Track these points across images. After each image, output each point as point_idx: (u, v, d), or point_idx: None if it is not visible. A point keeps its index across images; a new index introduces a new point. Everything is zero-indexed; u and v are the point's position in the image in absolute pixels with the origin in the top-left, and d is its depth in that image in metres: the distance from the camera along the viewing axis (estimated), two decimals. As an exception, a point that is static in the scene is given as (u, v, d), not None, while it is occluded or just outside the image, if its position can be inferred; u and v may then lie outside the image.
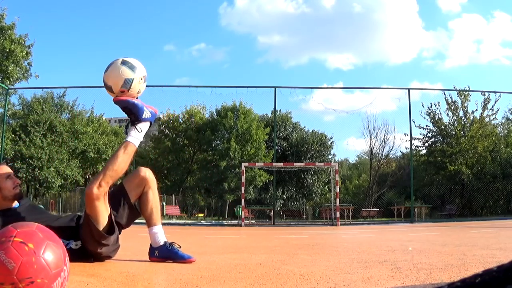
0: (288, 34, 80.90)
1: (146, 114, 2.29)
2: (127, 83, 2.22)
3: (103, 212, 2.16)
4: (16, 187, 2.33)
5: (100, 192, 2.12)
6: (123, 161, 2.20)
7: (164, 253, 2.38)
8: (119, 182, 2.44)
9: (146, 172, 2.39)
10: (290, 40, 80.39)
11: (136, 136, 2.27)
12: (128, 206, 2.34)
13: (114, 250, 2.34)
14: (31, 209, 2.37)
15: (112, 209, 2.25)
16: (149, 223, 2.42)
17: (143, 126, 2.29)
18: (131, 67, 2.24)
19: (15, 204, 2.34)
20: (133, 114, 2.27)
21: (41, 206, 2.32)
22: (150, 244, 2.43)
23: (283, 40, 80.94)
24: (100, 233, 2.14)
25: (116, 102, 2.26)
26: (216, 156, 25.41)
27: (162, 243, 2.39)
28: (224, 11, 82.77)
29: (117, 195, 2.35)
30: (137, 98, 2.32)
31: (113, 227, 2.22)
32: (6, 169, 2.36)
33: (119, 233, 2.37)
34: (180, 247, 2.40)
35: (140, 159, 27.32)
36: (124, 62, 2.24)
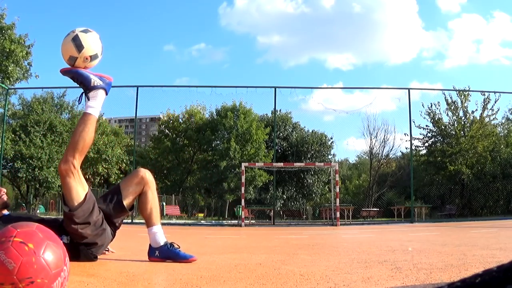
0: (288, 34, 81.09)
1: (95, 82, 2.29)
2: (71, 60, 2.26)
3: (75, 187, 2.18)
4: (3, 195, 2.35)
5: (68, 167, 2.15)
6: (84, 132, 2.23)
7: (164, 253, 2.37)
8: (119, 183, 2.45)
9: (146, 173, 2.40)
10: (290, 40, 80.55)
11: (91, 105, 2.28)
12: (116, 201, 2.34)
13: (100, 235, 2.26)
14: (12, 217, 2.35)
15: (102, 202, 2.30)
16: (149, 223, 2.42)
17: (95, 94, 2.29)
18: (78, 46, 2.23)
19: (5, 212, 2.36)
20: (81, 83, 2.29)
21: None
22: (150, 244, 2.42)
23: (283, 40, 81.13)
24: (71, 205, 2.14)
25: (62, 73, 2.31)
26: (216, 156, 25.41)
27: (162, 243, 2.39)
28: (224, 11, 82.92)
29: (110, 193, 2.39)
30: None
31: (90, 203, 2.21)
32: None
33: (113, 234, 2.38)
34: (179, 247, 2.40)
35: (140, 159, 27.34)
36: (74, 38, 2.24)
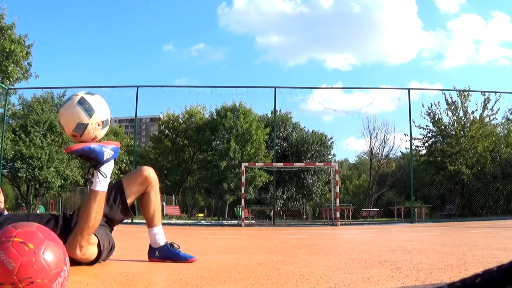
0: (287, 34, 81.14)
1: (107, 154, 2.01)
2: (80, 128, 1.92)
3: (93, 255, 2.06)
4: (1, 203, 2.27)
5: (84, 252, 1.98)
6: (96, 213, 1.98)
7: (164, 254, 2.37)
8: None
9: (150, 172, 2.32)
10: (289, 40, 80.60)
11: (103, 181, 2.01)
12: (122, 205, 2.28)
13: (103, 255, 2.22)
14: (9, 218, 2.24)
15: (105, 203, 2.12)
16: (150, 224, 2.39)
17: (107, 168, 2.03)
18: (88, 110, 1.92)
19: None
20: (92, 159, 1.99)
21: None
22: (150, 245, 2.42)
23: (282, 41, 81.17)
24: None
25: (69, 152, 1.96)
26: (216, 156, 25.43)
27: (162, 243, 2.38)
28: (223, 11, 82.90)
29: (113, 191, 2.25)
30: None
31: (100, 255, 2.11)
32: None
33: (111, 230, 2.35)
34: (179, 247, 2.40)
35: (140, 159, 27.34)
36: (81, 102, 1.92)
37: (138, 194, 2.33)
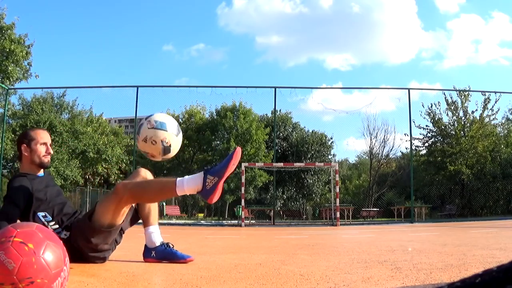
0: (286, 34, 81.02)
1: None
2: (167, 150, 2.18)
3: (109, 213, 2.10)
4: (47, 156, 2.33)
5: (124, 192, 2.06)
6: (154, 189, 2.13)
7: (160, 254, 2.34)
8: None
9: (147, 174, 2.34)
10: (288, 40, 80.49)
11: (186, 187, 2.02)
12: (132, 210, 2.32)
13: (101, 257, 2.26)
14: (51, 181, 2.38)
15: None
16: (146, 223, 2.38)
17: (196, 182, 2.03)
18: (161, 125, 2.15)
19: (40, 172, 2.35)
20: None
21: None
22: (145, 245, 2.39)
23: (281, 41, 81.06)
24: (98, 222, 2.09)
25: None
26: (216, 156, 25.41)
27: (158, 243, 2.35)
28: (222, 11, 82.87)
29: None
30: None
31: (110, 235, 2.16)
32: (45, 135, 2.37)
33: (118, 241, 2.37)
34: (173, 246, 2.37)
35: (140, 159, 27.29)
36: (155, 124, 2.15)
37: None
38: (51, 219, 2.20)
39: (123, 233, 2.42)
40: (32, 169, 2.30)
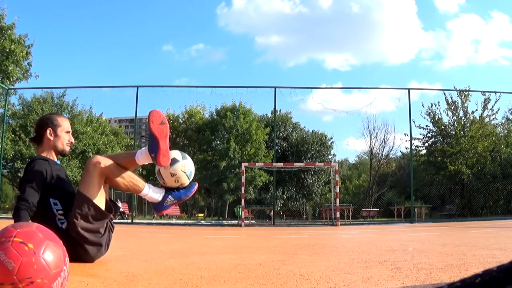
0: (286, 34, 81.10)
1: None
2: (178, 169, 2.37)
3: (95, 186, 2.13)
4: (69, 144, 2.38)
5: (100, 160, 2.13)
6: (121, 156, 2.28)
7: (169, 203, 2.36)
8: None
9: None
10: (288, 40, 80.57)
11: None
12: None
13: (96, 243, 2.19)
14: (63, 171, 2.38)
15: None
16: (137, 190, 2.30)
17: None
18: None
19: (57, 160, 2.38)
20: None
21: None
22: (153, 204, 2.36)
23: (281, 41, 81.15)
24: (85, 200, 2.11)
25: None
26: (216, 156, 25.41)
27: (160, 198, 2.33)
28: (221, 11, 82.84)
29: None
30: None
31: (102, 213, 2.18)
32: (68, 124, 2.41)
33: (108, 232, 2.34)
34: (177, 189, 2.39)
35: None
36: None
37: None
38: (60, 208, 2.19)
39: (113, 229, 2.39)
40: (51, 154, 2.31)
